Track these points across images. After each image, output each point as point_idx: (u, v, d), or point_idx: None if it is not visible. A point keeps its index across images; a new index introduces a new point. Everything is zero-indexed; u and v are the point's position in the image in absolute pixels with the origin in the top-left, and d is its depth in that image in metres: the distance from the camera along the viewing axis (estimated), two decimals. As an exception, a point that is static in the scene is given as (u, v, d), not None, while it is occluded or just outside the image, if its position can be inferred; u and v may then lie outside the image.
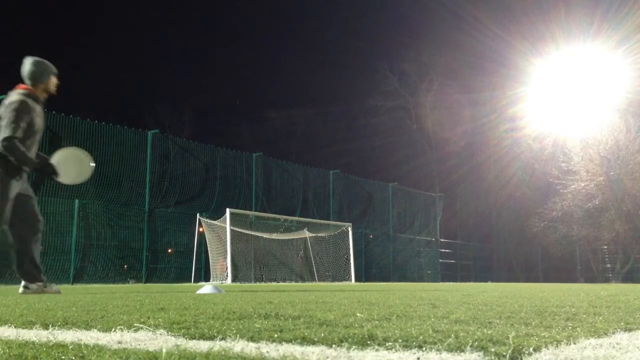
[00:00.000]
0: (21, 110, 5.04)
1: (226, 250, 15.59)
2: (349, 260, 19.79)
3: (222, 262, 16.34)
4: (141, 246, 16.05)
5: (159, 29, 52.63)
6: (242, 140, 36.57)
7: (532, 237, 31.02)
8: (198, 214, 16.81)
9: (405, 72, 38.74)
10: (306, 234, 19.64)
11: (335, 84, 49.76)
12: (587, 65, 30.30)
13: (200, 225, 16.84)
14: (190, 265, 16.56)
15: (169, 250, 17.70)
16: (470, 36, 36.04)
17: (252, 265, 18.05)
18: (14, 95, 5.15)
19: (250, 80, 52.92)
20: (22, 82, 5.29)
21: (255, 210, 19.31)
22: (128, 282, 15.09)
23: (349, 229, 20.23)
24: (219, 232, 16.57)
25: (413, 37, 48.65)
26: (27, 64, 5.26)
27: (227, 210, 15.98)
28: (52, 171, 5.31)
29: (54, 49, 42.96)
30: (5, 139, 4.93)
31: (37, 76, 5.24)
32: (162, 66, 50.32)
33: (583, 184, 27.08)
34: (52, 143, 14.56)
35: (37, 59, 5.29)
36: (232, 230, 15.76)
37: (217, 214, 16.87)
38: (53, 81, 5.34)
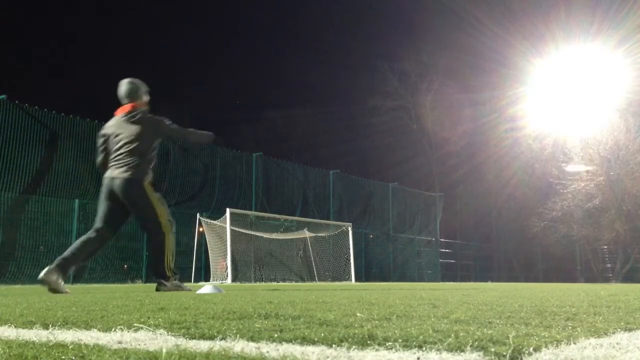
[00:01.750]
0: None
1: (226, 250, 15.59)
2: (349, 260, 19.80)
3: (222, 262, 16.34)
4: (141, 246, 16.05)
5: (159, 28, 52.65)
6: (242, 140, 36.54)
7: (532, 237, 31.00)
8: (198, 214, 16.81)
9: (405, 72, 38.75)
10: (306, 234, 19.64)
11: (335, 84, 49.77)
12: (587, 65, 30.30)
13: (200, 225, 16.84)
14: (190, 265, 16.56)
15: (169, 250, 17.68)
16: (470, 36, 36.03)
17: (252, 265, 18.05)
18: (143, 113, 5.59)
19: (250, 80, 52.89)
20: (119, 104, 5.68)
21: (255, 210, 19.30)
22: (134, 282, 15.08)
23: (349, 229, 20.23)
24: (219, 232, 16.57)
25: (413, 37, 48.58)
26: (123, 85, 5.65)
27: (227, 210, 15.99)
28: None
29: (53, 49, 43.03)
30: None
31: (134, 93, 5.64)
32: (162, 66, 50.30)
33: (583, 184, 27.07)
34: (51, 143, 14.56)
35: (131, 79, 5.70)
36: (232, 230, 15.77)
37: (217, 214, 16.87)
38: (146, 99, 5.77)
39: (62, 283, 5.01)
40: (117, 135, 5.46)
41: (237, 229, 16.52)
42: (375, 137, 39.93)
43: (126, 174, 5.33)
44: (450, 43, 39.33)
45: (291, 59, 51.97)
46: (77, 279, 14.13)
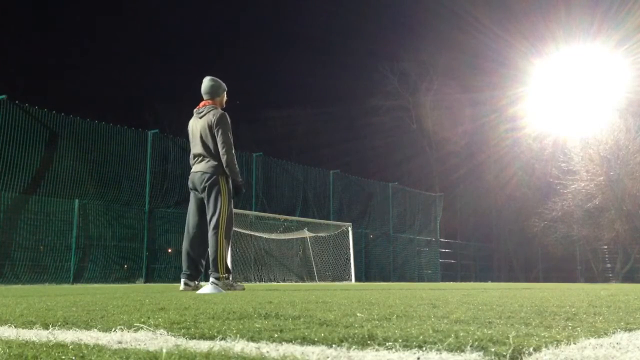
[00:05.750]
0: (229, 124, 5.73)
1: (226, 250, 15.58)
2: (349, 260, 19.79)
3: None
4: (141, 246, 16.05)
5: (159, 28, 52.62)
6: (242, 140, 36.46)
7: (532, 237, 31.00)
8: (198, 214, 16.78)
9: (405, 72, 38.77)
10: (306, 233, 19.62)
11: (335, 84, 49.71)
12: (587, 65, 30.32)
13: (200, 225, 16.80)
14: (190, 265, 16.53)
15: (169, 250, 17.69)
16: (470, 36, 36.09)
17: (252, 265, 18.05)
18: (216, 111, 5.75)
19: (250, 80, 52.85)
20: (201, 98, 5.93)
21: (255, 210, 19.29)
22: (135, 282, 15.06)
23: (349, 228, 20.22)
24: (219, 232, 16.57)
25: (413, 37, 48.62)
26: (206, 81, 5.90)
27: (227, 210, 15.96)
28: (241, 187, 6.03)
29: (53, 49, 43.02)
30: (228, 151, 5.64)
31: (215, 91, 5.88)
32: (162, 65, 50.28)
33: (583, 184, 27.07)
34: (51, 143, 14.56)
35: (213, 77, 5.94)
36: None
37: (217, 214, 16.85)
38: (224, 97, 6.03)
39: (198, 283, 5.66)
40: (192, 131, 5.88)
41: (237, 229, 16.49)
42: (375, 137, 39.97)
43: (199, 167, 5.77)
44: (450, 43, 39.41)
45: (291, 59, 51.96)
46: (77, 279, 14.13)
